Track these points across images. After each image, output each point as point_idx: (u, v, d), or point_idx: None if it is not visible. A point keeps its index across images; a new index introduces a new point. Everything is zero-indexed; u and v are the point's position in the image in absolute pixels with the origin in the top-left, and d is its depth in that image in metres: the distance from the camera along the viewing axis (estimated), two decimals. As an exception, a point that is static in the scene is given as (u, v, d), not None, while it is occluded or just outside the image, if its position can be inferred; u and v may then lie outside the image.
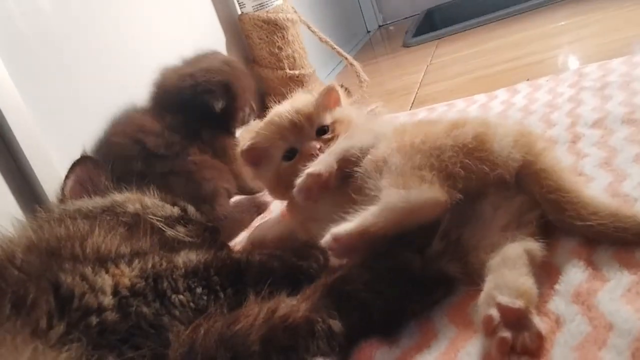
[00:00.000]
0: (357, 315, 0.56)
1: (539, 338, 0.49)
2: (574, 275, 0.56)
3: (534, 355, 0.49)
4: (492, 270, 0.56)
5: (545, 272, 0.58)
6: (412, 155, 0.65)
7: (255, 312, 0.55)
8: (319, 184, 0.71)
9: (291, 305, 0.55)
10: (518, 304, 0.50)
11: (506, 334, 0.49)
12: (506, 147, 0.64)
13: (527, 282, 0.54)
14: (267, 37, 1.68)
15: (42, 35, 1.00)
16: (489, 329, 0.50)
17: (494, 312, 0.50)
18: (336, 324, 0.55)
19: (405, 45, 2.46)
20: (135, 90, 1.18)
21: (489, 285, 0.54)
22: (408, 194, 0.60)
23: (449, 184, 0.62)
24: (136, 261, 0.58)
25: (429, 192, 0.61)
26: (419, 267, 0.60)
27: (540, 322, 0.50)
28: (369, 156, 0.71)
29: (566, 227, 0.60)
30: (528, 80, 1.31)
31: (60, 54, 1.04)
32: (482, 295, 0.54)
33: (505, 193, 0.64)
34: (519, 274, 0.54)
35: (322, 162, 0.73)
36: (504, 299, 0.51)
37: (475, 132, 0.66)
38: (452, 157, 0.63)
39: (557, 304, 0.54)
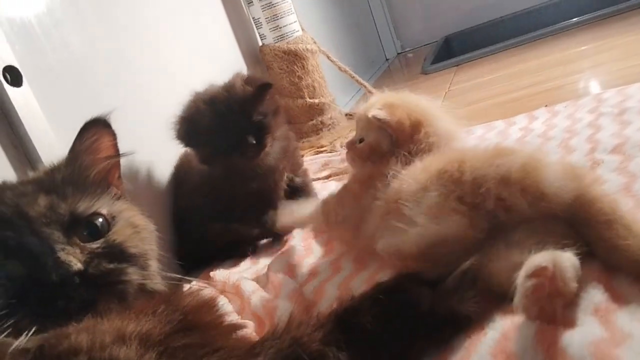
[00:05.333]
0: (365, 348, 0.55)
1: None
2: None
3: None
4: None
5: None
6: (450, 186, 0.65)
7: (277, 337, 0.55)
8: None
9: (308, 334, 0.55)
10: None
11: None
12: (558, 178, 0.63)
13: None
14: (287, 67, 1.72)
15: (70, 68, 1.04)
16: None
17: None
18: (345, 357, 0.54)
19: (424, 72, 2.48)
20: (158, 117, 1.22)
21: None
22: (434, 226, 0.61)
23: (486, 216, 0.62)
24: None
25: (454, 225, 0.61)
26: (427, 304, 0.58)
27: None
28: (407, 184, 0.71)
29: (611, 253, 0.58)
30: (546, 106, 1.31)
31: (88, 85, 1.08)
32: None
33: (548, 225, 0.63)
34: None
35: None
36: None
37: (523, 161, 0.65)
38: (492, 188, 0.63)
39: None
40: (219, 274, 0.96)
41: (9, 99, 0.88)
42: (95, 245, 0.59)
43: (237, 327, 0.61)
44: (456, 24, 3.13)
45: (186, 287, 0.70)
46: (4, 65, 0.88)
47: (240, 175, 1.09)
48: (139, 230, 0.66)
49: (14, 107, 0.88)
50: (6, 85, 0.88)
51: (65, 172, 0.65)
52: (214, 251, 1.11)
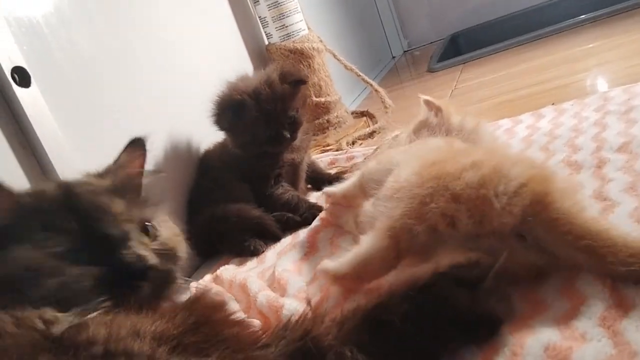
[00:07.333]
0: (390, 346, 0.54)
1: None
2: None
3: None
4: None
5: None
6: (407, 197, 0.67)
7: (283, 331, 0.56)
8: None
9: (321, 329, 0.55)
10: None
11: None
12: (507, 193, 0.60)
13: None
14: (293, 66, 1.72)
15: (78, 68, 1.05)
16: None
17: None
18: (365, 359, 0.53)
19: (430, 70, 2.47)
20: (165, 118, 1.23)
21: None
22: (362, 245, 0.67)
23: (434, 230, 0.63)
24: None
25: (378, 242, 0.65)
26: (466, 305, 0.55)
27: None
28: (389, 184, 0.73)
29: (604, 272, 0.57)
30: (553, 104, 1.31)
31: (96, 84, 1.08)
32: None
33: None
34: None
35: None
36: None
37: (482, 174, 0.63)
38: (440, 203, 0.63)
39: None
40: (226, 273, 0.96)
41: (17, 99, 0.89)
42: (155, 246, 0.64)
43: (245, 323, 0.62)
44: (462, 21, 3.12)
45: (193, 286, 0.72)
46: (12, 66, 0.89)
47: (269, 161, 1.22)
48: (181, 238, 0.72)
49: (22, 108, 0.89)
50: (15, 86, 0.89)
51: (118, 179, 0.69)
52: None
